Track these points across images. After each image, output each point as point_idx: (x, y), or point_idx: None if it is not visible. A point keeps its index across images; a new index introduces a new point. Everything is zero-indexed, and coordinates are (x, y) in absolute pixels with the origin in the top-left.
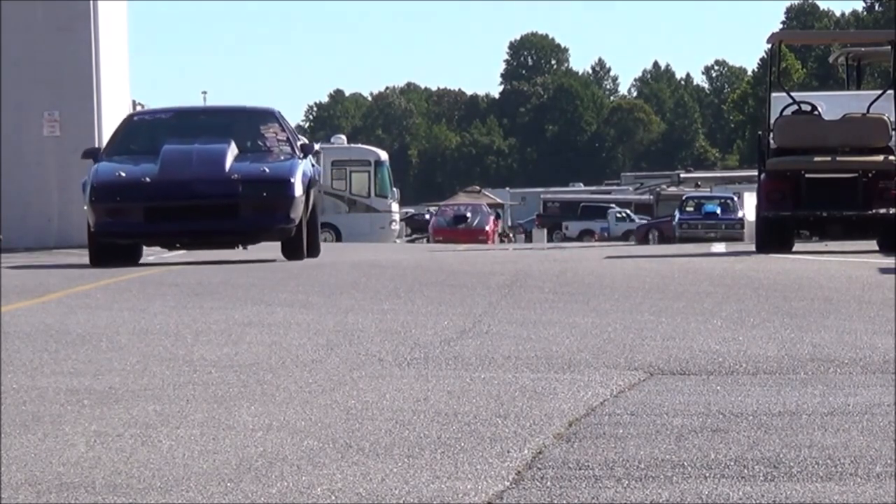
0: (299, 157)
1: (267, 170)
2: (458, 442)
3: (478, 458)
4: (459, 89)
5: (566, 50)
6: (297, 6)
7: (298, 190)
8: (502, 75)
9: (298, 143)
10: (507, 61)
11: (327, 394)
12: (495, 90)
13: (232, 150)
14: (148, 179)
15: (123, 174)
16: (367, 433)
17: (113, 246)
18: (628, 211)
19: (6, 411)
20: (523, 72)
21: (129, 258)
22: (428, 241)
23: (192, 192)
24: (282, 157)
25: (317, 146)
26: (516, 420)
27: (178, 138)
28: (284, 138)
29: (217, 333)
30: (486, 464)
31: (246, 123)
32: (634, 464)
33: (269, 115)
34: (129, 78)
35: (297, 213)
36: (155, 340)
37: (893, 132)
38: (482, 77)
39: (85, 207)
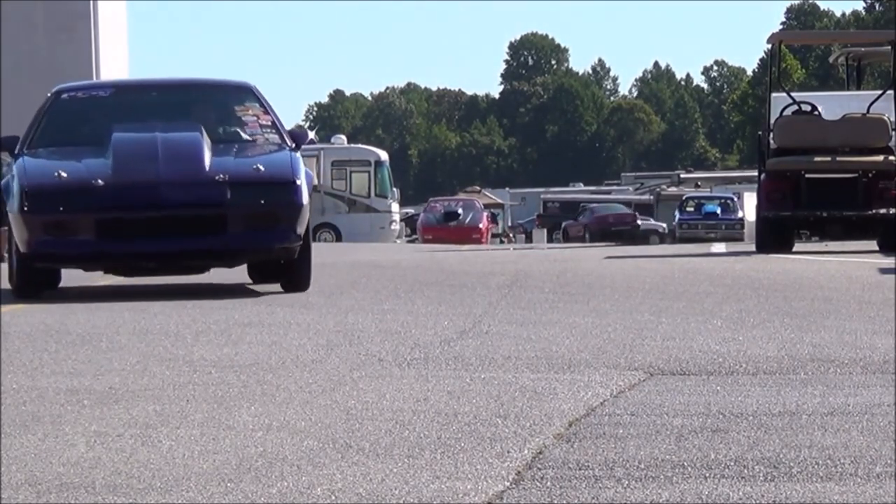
0: (290, 149)
1: (261, 168)
2: (458, 442)
3: (478, 458)
4: (459, 89)
5: (566, 50)
6: (297, 6)
7: (305, 195)
8: (502, 75)
9: (287, 131)
10: (507, 61)
11: (327, 394)
12: (495, 90)
13: (206, 141)
14: (100, 182)
15: (65, 174)
16: (367, 433)
17: (39, 271)
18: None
19: (6, 411)
20: (523, 72)
21: (49, 282)
22: (415, 241)
23: (161, 200)
24: (268, 150)
25: (311, 134)
26: (516, 420)
27: (124, 123)
28: (269, 123)
29: (217, 333)
30: (486, 464)
31: (214, 103)
32: (634, 464)
33: (244, 92)
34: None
35: (303, 226)
36: (155, 340)
37: (893, 132)
38: (482, 77)
39: (6, 220)
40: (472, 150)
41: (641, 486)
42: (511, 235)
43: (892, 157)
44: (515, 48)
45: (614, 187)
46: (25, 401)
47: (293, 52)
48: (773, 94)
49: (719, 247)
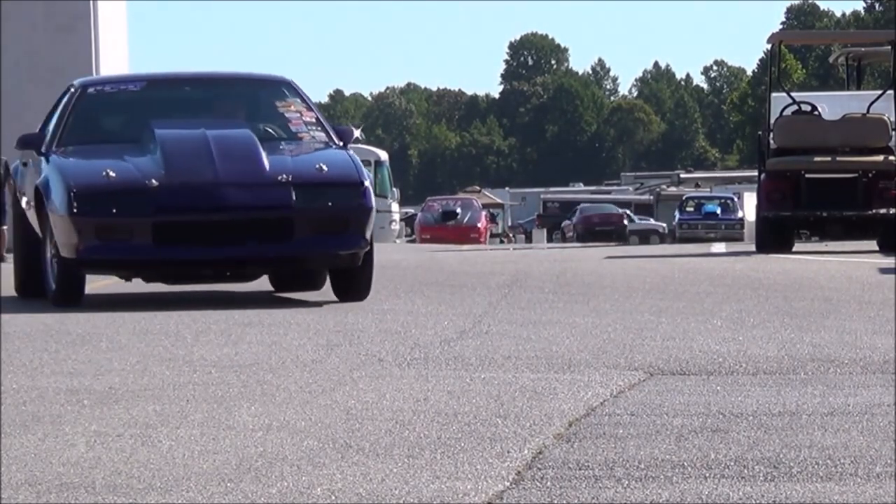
0: (336, 147)
1: (324, 167)
2: (458, 442)
3: (478, 458)
4: (459, 89)
5: (566, 50)
6: (297, 6)
7: (373, 198)
8: (502, 75)
9: (333, 128)
10: (507, 61)
11: (327, 394)
12: (495, 90)
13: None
14: (155, 182)
15: (113, 174)
16: (367, 433)
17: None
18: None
19: (6, 411)
20: (523, 72)
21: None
22: (415, 241)
23: (223, 202)
24: (315, 148)
25: (357, 132)
26: (516, 420)
27: (160, 120)
28: (313, 119)
29: (217, 333)
30: (486, 464)
31: (253, 98)
32: (634, 464)
33: (283, 87)
34: None
35: (371, 230)
36: (155, 340)
37: (893, 132)
38: (482, 77)
39: (52, 221)
40: (471, 150)
41: (641, 486)
42: (511, 235)
43: (892, 157)
44: (515, 48)
45: (614, 187)
46: (25, 401)
47: (293, 52)
48: (773, 94)
49: (719, 247)
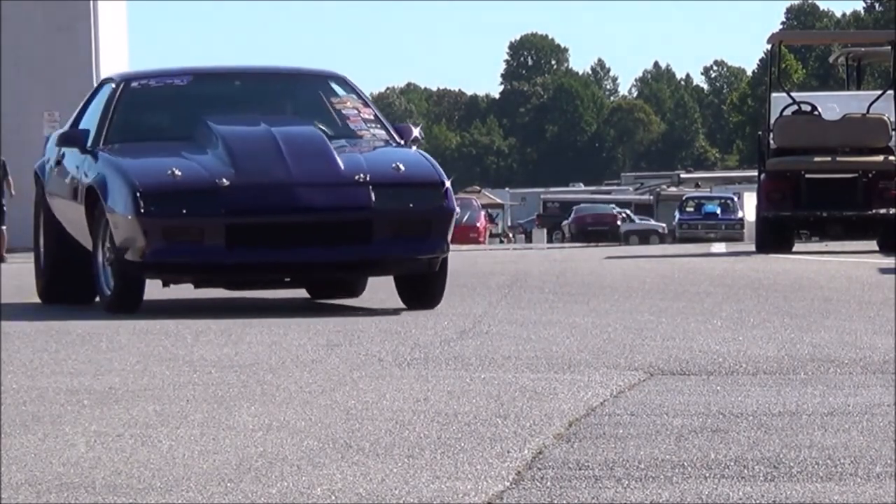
0: (399, 145)
1: (402, 167)
2: (458, 442)
3: (478, 458)
4: (459, 89)
5: (566, 50)
6: (297, 6)
7: (454, 199)
8: (502, 75)
9: (392, 127)
10: (507, 61)
11: (327, 394)
12: (495, 90)
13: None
14: (226, 182)
15: (179, 173)
16: (367, 433)
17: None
18: (628, 211)
19: (6, 411)
20: (523, 72)
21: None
22: None
23: (300, 203)
24: (375, 146)
25: (416, 130)
26: (516, 420)
27: (214, 116)
28: (371, 117)
29: (217, 333)
30: (486, 464)
31: (307, 94)
32: (634, 464)
33: (338, 82)
34: None
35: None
36: (155, 340)
37: (893, 132)
38: (482, 77)
39: (106, 222)
40: (472, 150)
41: (641, 486)
42: (511, 235)
43: (892, 157)
44: (515, 48)
45: (614, 187)
46: (25, 401)
47: (293, 52)
48: (773, 94)
49: (719, 247)
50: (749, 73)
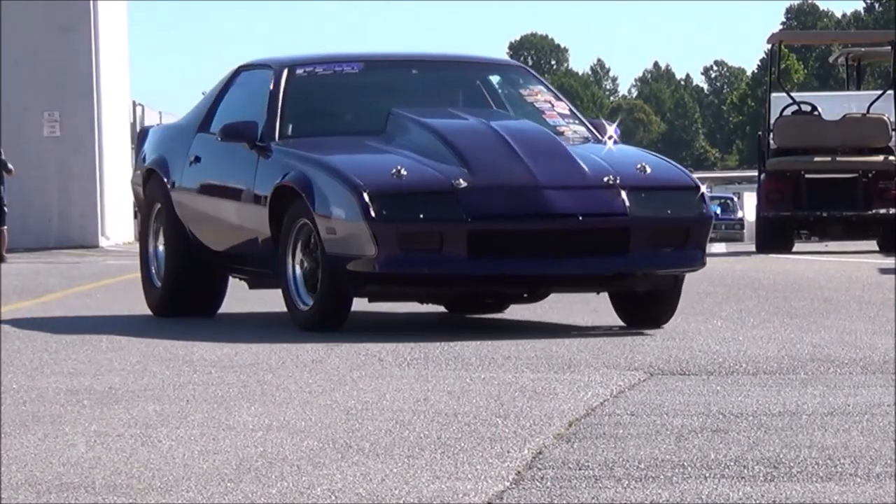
0: (598, 142)
1: (647, 168)
2: (458, 442)
3: (478, 458)
4: None
5: (566, 50)
6: (297, 6)
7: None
8: None
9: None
10: None
11: (327, 394)
12: None
13: None
14: (463, 183)
15: (405, 172)
16: (367, 433)
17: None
18: None
19: (6, 411)
20: None
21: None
22: None
23: (549, 208)
24: (577, 143)
25: (611, 128)
26: (516, 420)
27: (404, 107)
28: (567, 111)
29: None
30: (486, 464)
31: (493, 84)
32: (634, 464)
33: (521, 73)
34: (129, 78)
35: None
36: (155, 340)
37: (893, 132)
38: None
39: (330, 227)
40: None
41: (641, 486)
42: None
43: (892, 157)
44: (515, 48)
45: None
46: (25, 401)
47: (293, 52)
48: (773, 94)
49: (719, 247)
50: (749, 73)
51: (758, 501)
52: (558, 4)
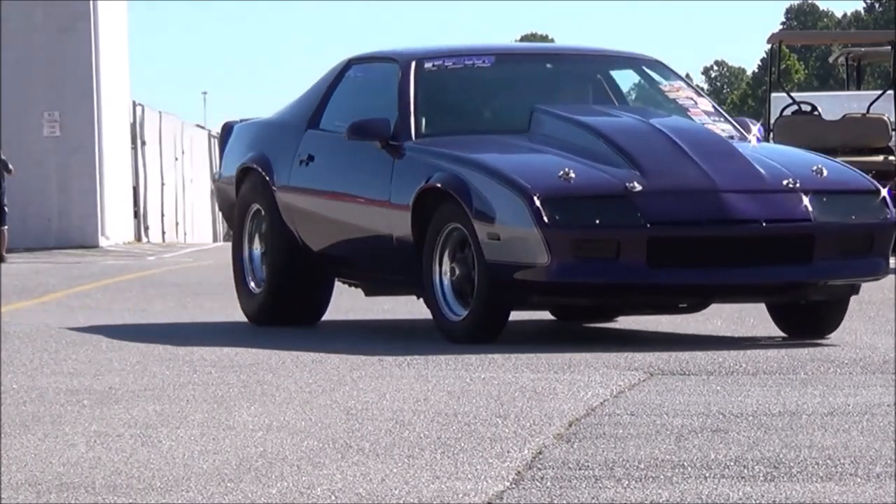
0: (742, 140)
1: (825, 171)
2: (458, 442)
3: (478, 458)
4: None
5: None
6: (297, 6)
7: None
8: None
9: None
10: None
11: (327, 394)
12: None
13: None
14: (638, 186)
15: (573, 175)
16: (367, 433)
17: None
18: None
19: (6, 411)
20: None
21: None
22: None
23: (732, 214)
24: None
25: (755, 127)
26: (516, 420)
27: (549, 104)
28: (710, 108)
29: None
30: (486, 464)
31: (626, 80)
32: (634, 464)
33: (655, 67)
34: (129, 78)
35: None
36: (155, 340)
37: (893, 132)
38: None
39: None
40: None
41: (641, 486)
42: None
43: (892, 157)
44: None
45: None
46: (25, 401)
47: (293, 52)
48: (773, 94)
49: None
50: (749, 73)
51: (758, 501)
52: (558, 4)
